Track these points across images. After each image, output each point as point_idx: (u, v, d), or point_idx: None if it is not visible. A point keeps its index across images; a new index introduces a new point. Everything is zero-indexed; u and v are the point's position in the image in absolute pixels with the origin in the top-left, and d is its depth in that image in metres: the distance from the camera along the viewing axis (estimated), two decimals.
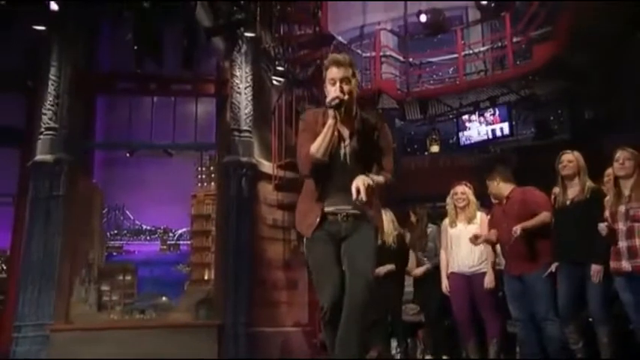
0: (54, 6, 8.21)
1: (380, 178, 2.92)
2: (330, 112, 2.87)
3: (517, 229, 4.31)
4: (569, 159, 4.30)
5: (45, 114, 8.92)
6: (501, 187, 4.73)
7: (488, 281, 4.90)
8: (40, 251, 8.29)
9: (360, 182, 2.74)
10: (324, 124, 2.92)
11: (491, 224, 4.90)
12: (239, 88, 9.61)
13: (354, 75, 3.02)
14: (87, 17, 9.20)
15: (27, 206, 8.76)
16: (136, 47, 9.11)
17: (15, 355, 7.82)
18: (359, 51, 10.92)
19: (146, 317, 9.04)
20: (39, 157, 8.76)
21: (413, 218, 6.15)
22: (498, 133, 9.36)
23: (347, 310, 2.78)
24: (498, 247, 4.92)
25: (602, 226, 3.81)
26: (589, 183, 4.24)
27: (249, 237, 8.99)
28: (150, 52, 9.24)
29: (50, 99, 8.98)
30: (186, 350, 7.71)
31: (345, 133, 3.02)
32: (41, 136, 8.86)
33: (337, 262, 2.93)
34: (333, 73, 2.98)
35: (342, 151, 3.00)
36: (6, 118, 10.50)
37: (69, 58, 9.18)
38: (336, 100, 2.84)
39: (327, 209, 2.97)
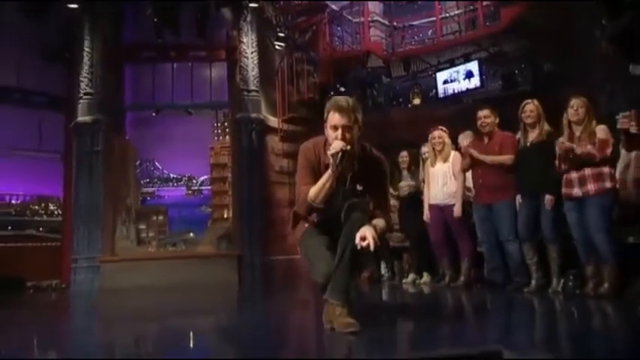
0: None
1: (381, 223, 2.61)
2: (331, 160, 2.49)
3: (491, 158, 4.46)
4: (531, 108, 4.30)
5: (82, 81, 8.87)
6: (494, 124, 4.66)
7: (456, 210, 4.99)
8: (86, 198, 8.45)
9: (368, 233, 2.40)
10: (323, 162, 2.61)
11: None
12: (246, 53, 9.48)
13: (356, 121, 2.59)
14: None
15: (73, 161, 8.84)
16: (155, 20, 8.95)
17: (74, 281, 8.11)
18: (349, 17, 10.68)
19: (177, 250, 9.26)
20: (79, 118, 8.77)
21: (406, 159, 6.09)
22: (471, 86, 9.29)
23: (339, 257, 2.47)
24: (470, 180, 5.00)
25: (559, 141, 3.83)
26: (546, 127, 4.26)
27: (259, 182, 9.09)
28: (168, 24, 9.09)
29: (85, 68, 8.92)
30: (211, 276, 7.89)
31: (345, 174, 2.61)
32: (80, 101, 8.85)
33: (330, 247, 2.56)
34: (336, 119, 2.56)
35: (340, 192, 2.59)
36: (50, 87, 10.47)
37: (99, 32, 9.06)
38: (340, 153, 2.46)
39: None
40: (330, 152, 2.50)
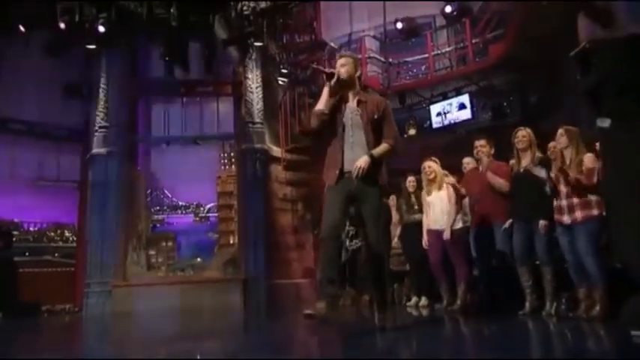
0: (101, 28, 8.15)
1: (383, 148, 3.14)
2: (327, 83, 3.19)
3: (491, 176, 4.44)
4: (523, 134, 4.28)
5: (98, 115, 8.97)
6: (489, 153, 4.68)
7: (446, 235, 4.94)
8: (100, 225, 8.42)
9: (362, 163, 3.02)
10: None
11: (466, 183, 4.92)
12: (251, 88, 9.60)
13: (354, 64, 3.31)
14: (127, 36, 9.12)
15: (88, 190, 8.85)
16: (167, 58, 9.08)
17: (87, 305, 8.00)
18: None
19: (185, 274, 9.16)
20: (95, 150, 8.83)
21: (409, 184, 6.05)
22: (463, 117, 9.36)
23: (371, 266, 3.23)
24: (466, 206, 4.97)
25: (547, 189, 3.88)
26: (538, 154, 4.26)
27: (264, 209, 9.06)
28: (178, 62, 9.21)
29: (101, 104, 9.03)
30: (218, 300, 7.83)
31: (352, 104, 3.22)
32: (96, 134, 8.93)
33: (342, 207, 3.09)
34: (341, 61, 3.31)
35: (350, 118, 3.18)
36: (69, 121, 10.61)
37: (114, 70, 9.20)
38: (332, 75, 3.17)
39: (345, 168, 3.11)
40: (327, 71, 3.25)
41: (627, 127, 2.03)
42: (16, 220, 9.97)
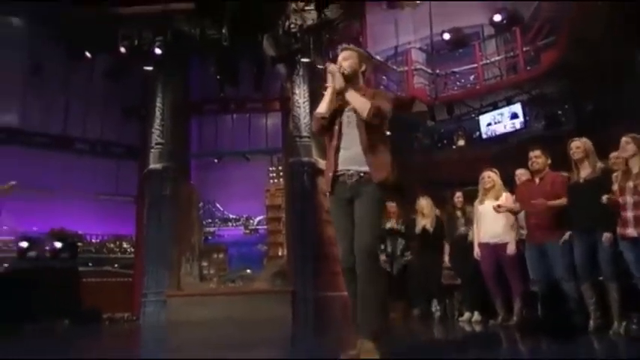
0: (158, 50, 8.52)
1: (362, 101, 2.79)
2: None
3: (542, 202, 4.19)
4: (577, 145, 4.08)
5: (154, 133, 9.31)
6: (545, 164, 4.43)
7: (510, 249, 4.77)
8: (156, 237, 8.67)
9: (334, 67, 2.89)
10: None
11: (520, 196, 4.66)
12: (299, 103, 9.69)
13: (358, 58, 3.00)
14: (181, 57, 9.50)
15: (145, 203, 9.19)
16: (218, 76, 9.36)
17: (144, 314, 8.27)
18: (394, 67, 10.77)
19: (236, 285, 9.26)
20: (151, 166, 9.15)
21: (457, 200, 5.93)
22: (514, 127, 9.04)
23: (358, 279, 2.65)
24: (522, 219, 4.77)
25: (604, 198, 3.67)
26: (599, 164, 4.03)
27: (311, 221, 9.05)
28: (229, 80, 9.49)
29: (157, 121, 9.36)
30: (267, 311, 7.83)
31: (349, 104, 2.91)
32: (152, 150, 9.25)
33: (347, 222, 2.76)
34: (343, 54, 3.02)
35: (346, 115, 2.88)
36: (127, 138, 11.16)
37: (169, 89, 9.53)
38: (331, 67, 2.90)
39: (339, 169, 2.82)
40: (328, 69, 2.92)
41: None
42: (80, 232, 10.49)
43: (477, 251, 5.06)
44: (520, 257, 4.71)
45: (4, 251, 9.29)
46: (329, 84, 2.88)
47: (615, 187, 3.70)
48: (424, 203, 6.21)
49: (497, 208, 4.55)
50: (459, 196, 5.84)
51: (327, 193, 2.90)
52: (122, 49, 8.55)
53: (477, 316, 5.30)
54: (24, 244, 8.43)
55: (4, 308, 6.04)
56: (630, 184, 3.61)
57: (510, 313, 4.76)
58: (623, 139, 3.71)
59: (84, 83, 11.04)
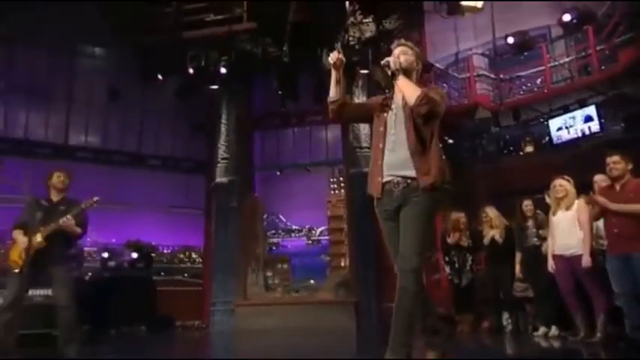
0: (223, 70, 8.90)
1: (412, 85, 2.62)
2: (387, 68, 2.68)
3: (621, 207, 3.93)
4: None
5: (220, 148, 9.70)
6: (625, 170, 4.13)
7: (585, 261, 4.45)
8: (223, 248, 8.98)
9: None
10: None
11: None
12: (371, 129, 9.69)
13: (415, 55, 2.78)
14: (244, 74, 9.85)
15: (212, 215, 9.56)
16: (279, 92, 9.60)
17: (213, 322, 8.55)
18: (455, 74, 10.53)
19: (300, 295, 9.33)
20: (218, 179, 9.52)
21: (530, 207, 5.67)
22: (588, 131, 8.50)
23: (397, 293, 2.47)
24: (601, 229, 4.45)
25: None
26: None
27: (373, 231, 8.96)
28: (290, 95, 9.70)
29: (223, 137, 9.75)
30: (330, 321, 7.82)
31: (398, 98, 2.70)
32: (218, 165, 9.63)
33: (395, 235, 2.57)
34: (398, 50, 2.78)
35: (393, 114, 2.67)
36: (196, 154, 11.71)
37: (233, 106, 9.91)
38: (386, 62, 2.66)
39: (385, 175, 2.60)
40: (382, 62, 2.71)
41: None
42: (153, 243, 11.07)
43: (551, 264, 4.78)
44: (601, 270, 4.39)
45: (89, 261, 9.97)
46: (333, 64, 2.67)
47: None
48: (492, 213, 5.99)
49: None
50: (527, 205, 5.58)
51: (375, 200, 2.68)
52: (190, 70, 9.01)
53: (554, 330, 4.99)
54: (105, 255, 9.03)
55: (89, 314, 6.46)
56: None
57: (593, 329, 4.44)
58: None
59: (156, 104, 11.75)
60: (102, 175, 10.67)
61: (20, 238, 3.94)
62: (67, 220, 3.95)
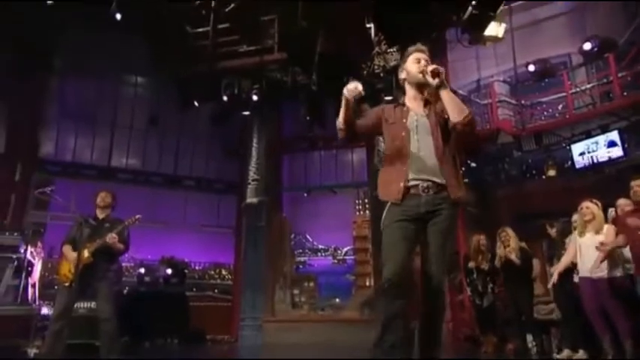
0: (254, 97, 9.15)
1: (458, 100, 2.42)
2: (430, 79, 2.41)
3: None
4: None
5: (250, 170, 9.88)
6: None
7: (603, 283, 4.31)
8: (252, 265, 9.07)
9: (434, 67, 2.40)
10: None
11: (624, 229, 4.27)
12: (382, 138, 9.75)
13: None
14: (274, 101, 10.10)
15: (242, 234, 9.69)
16: (307, 117, 9.77)
17: (242, 337, 8.60)
18: (477, 100, 10.51)
19: (325, 313, 9.32)
20: (248, 200, 9.68)
21: (551, 232, 5.62)
22: (612, 156, 8.32)
23: (426, 308, 2.36)
24: (627, 252, 4.34)
25: None
26: None
27: None
28: (317, 120, 9.85)
29: (253, 160, 9.94)
30: (356, 339, 7.72)
31: (416, 106, 2.57)
32: (249, 186, 9.79)
33: (406, 240, 2.35)
34: (418, 54, 2.59)
35: (414, 120, 2.50)
36: (227, 175, 11.97)
37: (264, 131, 10.15)
38: (437, 70, 2.39)
39: (410, 179, 2.38)
40: (429, 69, 2.41)
41: None
42: (186, 259, 11.27)
43: (554, 279, 4.76)
44: (628, 292, 4.26)
45: (126, 276, 10.22)
46: (348, 94, 2.51)
47: None
48: (511, 233, 5.89)
49: (601, 247, 4.19)
50: (554, 227, 5.49)
51: (390, 204, 2.42)
52: (224, 98, 9.29)
53: (581, 354, 4.82)
54: (141, 270, 9.24)
55: (128, 327, 6.61)
56: None
57: (622, 352, 4.28)
58: None
59: (191, 128, 12.13)
60: (140, 195, 10.99)
61: (70, 254, 4.13)
62: (113, 237, 4.12)
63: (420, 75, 2.48)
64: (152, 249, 10.86)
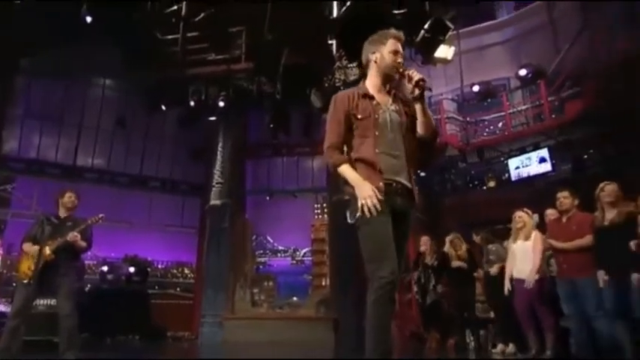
0: (221, 103, 9.04)
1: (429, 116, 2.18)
2: (413, 90, 2.11)
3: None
4: (612, 188, 3.92)
5: (215, 173, 9.74)
6: (572, 205, 4.30)
7: (527, 283, 4.54)
8: (214, 265, 8.92)
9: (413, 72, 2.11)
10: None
11: (549, 234, 4.48)
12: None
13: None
14: (240, 108, 10.01)
15: (205, 235, 9.51)
16: (272, 125, 9.75)
17: (202, 334, 8.41)
18: None
19: (283, 311, 9.28)
20: (212, 202, 9.52)
21: (476, 239, 5.91)
22: (542, 170, 8.84)
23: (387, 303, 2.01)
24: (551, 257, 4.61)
25: (632, 244, 3.52)
26: (625, 208, 3.89)
27: (353, 254, 9.01)
28: (281, 128, 9.85)
29: (218, 163, 9.81)
30: (311, 336, 7.78)
31: (387, 100, 2.23)
32: (213, 188, 9.65)
33: (392, 237, 2.08)
34: (397, 46, 2.24)
35: (386, 116, 2.18)
36: (192, 178, 11.71)
37: (229, 136, 10.04)
38: (423, 82, 2.10)
39: (384, 179, 2.10)
40: (415, 77, 2.09)
41: None
42: (149, 258, 10.91)
43: (507, 286, 4.89)
44: (551, 293, 4.52)
45: (89, 274, 9.78)
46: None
47: None
48: (457, 240, 6.12)
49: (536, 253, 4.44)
50: (486, 234, 5.74)
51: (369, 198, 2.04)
52: (192, 103, 9.13)
53: (511, 348, 5.07)
54: (104, 268, 8.88)
55: (89, 324, 6.33)
56: None
57: (544, 347, 4.53)
58: None
59: (158, 130, 11.82)
60: (106, 194, 10.59)
61: (31, 248, 3.92)
62: (75, 236, 3.94)
63: (395, 72, 2.19)
64: (116, 247, 10.48)
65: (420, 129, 2.21)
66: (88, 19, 7.37)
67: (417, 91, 2.13)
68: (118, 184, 11.53)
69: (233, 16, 8.70)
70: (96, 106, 11.55)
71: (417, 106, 2.18)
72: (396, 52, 2.22)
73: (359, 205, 2.05)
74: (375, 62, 2.25)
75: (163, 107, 9.63)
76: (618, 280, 3.75)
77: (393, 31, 2.30)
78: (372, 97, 2.22)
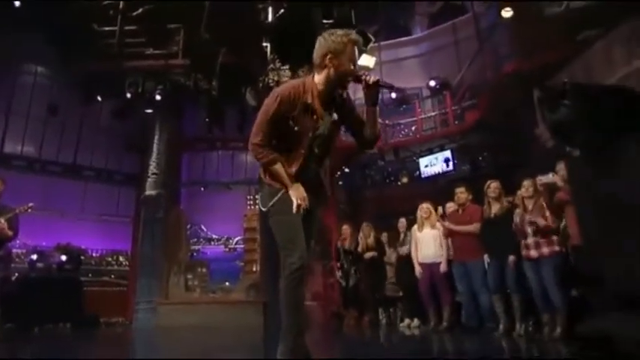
0: (158, 97, 8.59)
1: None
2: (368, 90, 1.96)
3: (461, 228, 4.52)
4: (496, 185, 4.35)
5: (150, 165, 9.28)
6: (467, 199, 4.74)
7: (443, 267, 4.96)
8: (149, 253, 8.54)
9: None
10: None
11: (450, 223, 4.87)
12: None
13: None
14: (177, 102, 9.59)
15: (140, 224, 9.03)
16: (207, 119, 9.47)
17: (136, 319, 8.00)
18: None
19: (216, 296, 9.09)
20: (147, 192, 9.08)
21: (401, 225, 6.12)
22: (446, 169, 9.54)
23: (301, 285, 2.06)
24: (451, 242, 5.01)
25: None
26: (506, 203, 4.32)
27: None
28: (216, 123, 9.60)
29: (154, 155, 9.35)
30: (241, 319, 7.69)
31: (328, 107, 2.06)
32: (148, 179, 9.19)
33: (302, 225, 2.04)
34: (356, 53, 2.04)
35: (322, 132, 2.05)
36: (128, 168, 11.01)
37: (165, 129, 9.58)
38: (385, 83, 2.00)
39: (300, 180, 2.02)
40: (372, 80, 1.96)
41: (592, 157, 2.16)
42: (83, 247, 10.13)
43: (418, 270, 5.17)
44: (449, 273, 4.93)
45: (17, 262, 8.85)
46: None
47: (517, 219, 3.99)
48: (366, 229, 6.32)
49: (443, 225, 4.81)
50: (402, 222, 6.06)
51: (285, 193, 2.02)
52: (128, 95, 8.58)
53: (415, 322, 5.44)
54: (34, 257, 8.09)
55: (16, 313, 5.76)
56: (527, 217, 3.91)
57: (441, 319, 4.94)
58: (526, 182, 4.02)
59: (93, 121, 10.93)
60: (36, 183, 9.63)
61: None
62: (1, 224, 3.58)
63: (351, 80, 2.02)
64: (47, 236, 9.61)
65: (370, 132, 2.10)
66: (17, 2, 6.60)
67: (372, 96, 2.00)
68: (50, 172, 10.50)
69: (172, 14, 8.29)
70: (26, 93, 10.36)
71: (370, 109, 2.06)
72: (355, 61, 2.02)
73: (294, 204, 1.99)
74: (332, 67, 2.01)
75: (99, 98, 8.96)
76: (498, 262, 4.20)
77: (353, 36, 2.04)
78: (314, 112, 2.02)
